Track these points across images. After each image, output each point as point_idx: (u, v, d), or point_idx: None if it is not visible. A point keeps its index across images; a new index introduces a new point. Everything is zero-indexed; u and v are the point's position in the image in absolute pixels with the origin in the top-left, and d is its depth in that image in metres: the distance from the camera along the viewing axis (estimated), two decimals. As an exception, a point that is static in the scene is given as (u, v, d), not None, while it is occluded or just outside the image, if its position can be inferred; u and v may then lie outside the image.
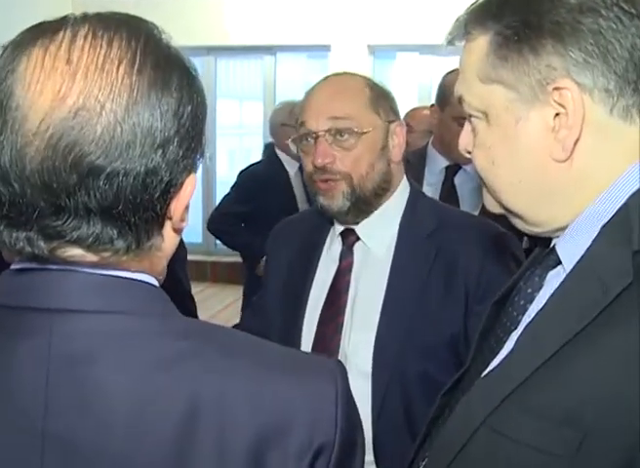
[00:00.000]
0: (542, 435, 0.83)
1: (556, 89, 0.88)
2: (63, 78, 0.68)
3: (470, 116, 0.99)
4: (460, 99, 1.00)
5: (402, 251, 1.59)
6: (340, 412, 0.78)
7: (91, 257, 0.74)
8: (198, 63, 6.65)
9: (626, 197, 0.88)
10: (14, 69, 0.69)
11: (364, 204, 1.56)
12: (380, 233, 1.61)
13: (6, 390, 0.74)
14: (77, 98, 0.68)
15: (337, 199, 1.54)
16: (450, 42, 1.00)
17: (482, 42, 0.94)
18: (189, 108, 0.76)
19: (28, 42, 0.70)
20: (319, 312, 1.60)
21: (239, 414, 0.75)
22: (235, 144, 8.46)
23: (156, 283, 0.82)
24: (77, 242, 0.72)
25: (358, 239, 1.62)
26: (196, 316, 1.05)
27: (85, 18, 0.72)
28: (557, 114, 0.89)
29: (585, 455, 0.79)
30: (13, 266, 0.76)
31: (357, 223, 1.60)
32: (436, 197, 2.50)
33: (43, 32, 0.71)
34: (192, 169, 0.79)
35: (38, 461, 0.73)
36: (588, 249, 0.89)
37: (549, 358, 0.85)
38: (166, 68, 0.74)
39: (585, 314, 0.84)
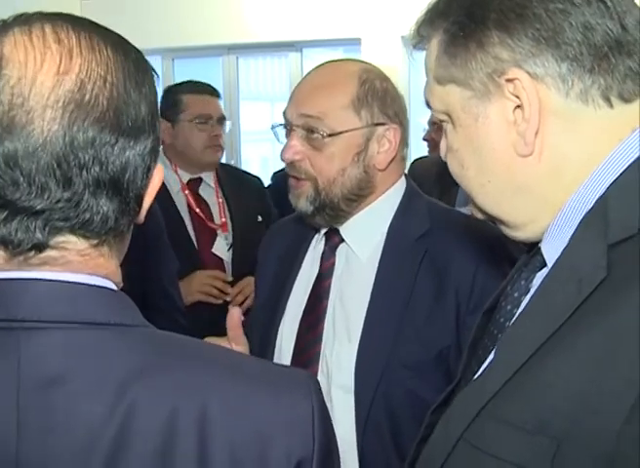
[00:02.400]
0: (518, 447, 0.79)
1: (508, 80, 0.87)
2: (60, 54, 0.69)
3: (441, 121, 0.98)
4: (428, 104, 0.99)
5: (389, 255, 1.46)
6: (316, 426, 0.78)
7: (80, 245, 0.74)
8: (217, 63, 6.25)
9: (606, 187, 0.85)
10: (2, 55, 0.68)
11: (330, 209, 1.45)
12: (365, 235, 1.48)
13: None
14: (79, 72, 0.69)
15: (301, 200, 1.45)
16: (415, 48, 0.99)
17: (434, 42, 0.94)
18: (154, 98, 0.78)
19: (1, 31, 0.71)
20: (299, 318, 1.51)
21: (219, 429, 0.74)
22: (267, 151, 7.79)
23: (116, 289, 0.79)
24: (82, 226, 0.72)
25: (342, 240, 1.50)
26: (189, 332, 0.95)
27: (46, 15, 0.73)
28: (517, 107, 0.87)
29: (561, 466, 0.75)
30: None
31: (340, 224, 1.49)
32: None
33: (12, 24, 0.71)
34: (157, 158, 0.79)
35: None
36: (567, 245, 0.86)
37: (523, 364, 0.82)
38: (141, 57, 0.78)
39: (560, 314, 0.80)
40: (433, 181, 3.23)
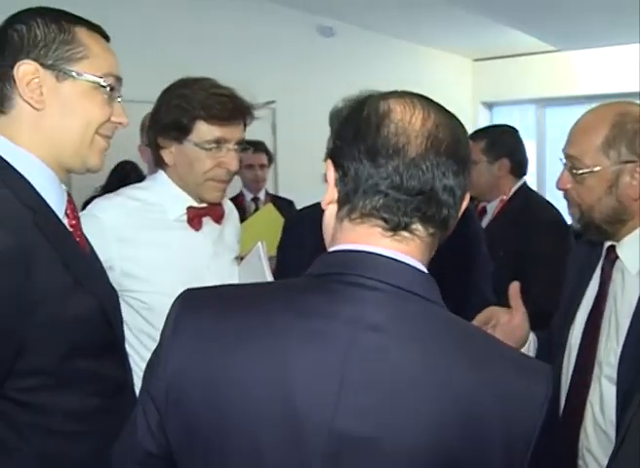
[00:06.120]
0: None
1: None
2: (423, 110, 1.00)
3: None
4: None
5: None
6: (543, 411, 0.93)
7: (423, 233, 0.98)
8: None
9: None
10: (389, 108, 1.00)
11: (595, 229, 1.71)
12: (636, 253, 1.67)
13: (319, 332, 0.92)
14: (435, 120, 1.00)
15: (573, 220, 1.78)
16: None
17: None
18: (467, 141, 1.08)
19: (381, 99, 1.03)
20: (585, 319, 1.76)
21: (485, 405, 0.89)
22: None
23: (427, 272, 1.00)
24: (429, 219, 0.98)
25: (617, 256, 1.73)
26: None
27: (409, 93, 1.06)
28: None
29: None
30: (331, 249, 1.00)
31: (614, 240, 1.73)
32: None
33: (390, 96, 1.04)
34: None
35: (336, 390, 0.90)
36: None
37: None
38: (457, 118, 1.07)
39: None
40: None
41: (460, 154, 0.99)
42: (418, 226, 0.97)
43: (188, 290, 1.01)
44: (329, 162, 1.04)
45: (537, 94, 8.07)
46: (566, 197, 1.77)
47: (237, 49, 5.92)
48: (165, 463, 1.00)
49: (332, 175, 1.03)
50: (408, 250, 0.98)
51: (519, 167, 3.24)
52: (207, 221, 1.97)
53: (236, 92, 1.88)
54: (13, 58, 1.25)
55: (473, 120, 8.64)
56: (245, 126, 1.92)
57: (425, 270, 1.00)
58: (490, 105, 8.86)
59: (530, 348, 1.71)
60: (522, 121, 8.30)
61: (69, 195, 1.36)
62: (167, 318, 1.00)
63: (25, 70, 1.24)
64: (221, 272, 1.96)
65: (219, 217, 2.01)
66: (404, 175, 0.95)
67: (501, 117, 8.67)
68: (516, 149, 3.25)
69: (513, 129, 3.36)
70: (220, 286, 1.06)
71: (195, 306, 0.98)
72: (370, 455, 0.89)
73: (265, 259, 1.91)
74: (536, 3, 5.42)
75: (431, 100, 1.04)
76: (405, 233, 0.97)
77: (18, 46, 1.25)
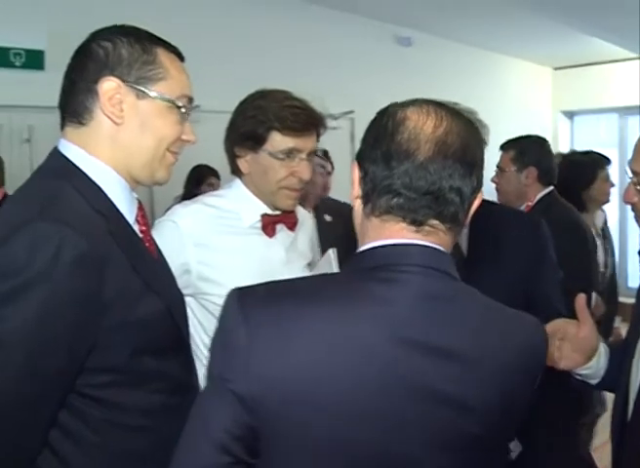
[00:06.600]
0: None
1: None
2: (435, 117, 1.10)
3: None
4: None
5: None
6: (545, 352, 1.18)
7: (441, 227, 1.10)
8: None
9: None
10: (405, 116, 1.11)
11: None
12: None
13: (393, 315, 1.03)
14: (445, 127, 1.09)
15: None
16: None
17: None
18: (482, 147, 1.18)
19: (400, 107, 1.15)
20: None
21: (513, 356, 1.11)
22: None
23: (448, 253, 1.14)
24: (440, 215, 1.09)
25: None
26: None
27: (430, 101, 1.16)
28: None
29: None
30: (373, 244, 1.10)
31: None
32: None
33: (408, 105, 1.14)
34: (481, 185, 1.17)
35: None
36: None
37: None
38: (473, 124, 1.17)
39: None
40: None
41: (467, 158, 1.09)
42: (435, 221, 1.09)
43: (240, 288, 1.06)
44: (354, 162, 1.16)
45: (618, 102, 7.91)
46: (633, 210, 1.77)
47: (316, 60, 5.98)
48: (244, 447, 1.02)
49: (356, 174, 1.15)
50: (435, 240, 1.10)
51: (546, 175, 3.32)
52: (281, 229, 2.01)
53: (309, 103, 1.92)
54: (97, 73, 1.30)
55: (553, 129, 8.47)
56: (318, 136, 1.97)
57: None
58: (570, 114, 8.70)
59: (600, 360, 1.68)
60: (603, 130, 8.11)
61: (140, 202, 1.42)
62: (229, 317, 1.03)
63: (109, 86, 1.29)
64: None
65: (292, 225, 2.05)
66: (413, 176, 1.06)
67: (582, 126, 8.48)
68: (544, 158, 3.34)
69: (542, 139, 3.46)
70: (270, 282, 1.11)
71: (261, 301, 1.04)
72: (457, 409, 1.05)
73: (336, 266, 1.92)
74: (617, 10, 5.30)
75: (451, 109, 1.14)
76: (428, 227, 1.09)
77: (102, 62, 1.30)
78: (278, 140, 1.88)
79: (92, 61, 1.31)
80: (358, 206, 1.15)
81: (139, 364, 1.26)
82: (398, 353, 1.01)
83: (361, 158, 1.14)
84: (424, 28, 6.58)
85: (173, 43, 1.39)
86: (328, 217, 2.85)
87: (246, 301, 1.03)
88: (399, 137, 1.08)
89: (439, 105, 1.13)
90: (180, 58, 1.40)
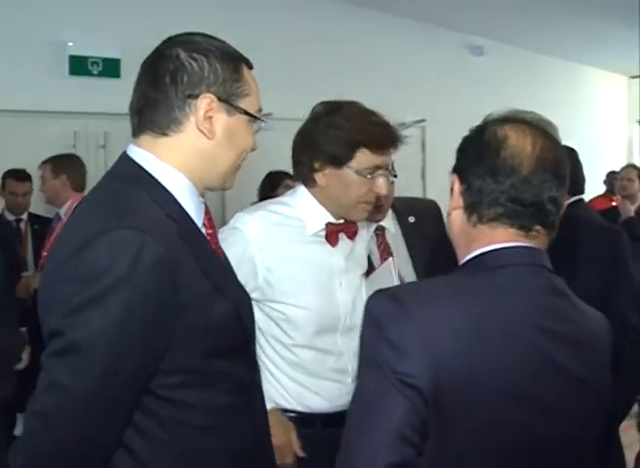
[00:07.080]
0: None
1: None
2: (533, 137, 1.21)
3: None
4: None
5: None
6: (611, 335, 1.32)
7: (543, 231, 1.22)
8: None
9: None
10: (505, 134, 1.22)
11: None
12: None
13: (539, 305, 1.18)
14: (542, 145, 1.21)
15: None
16: None
17: None
18: (567, 164, 1.28)
19: (497, 125, 1.24)
20: None
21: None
22: None
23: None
24: (541, 223, 1.21)
25: None
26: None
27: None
28: None
29: None
30: (490, 247, 1.21)
31: None
32: None
33: (505, 121, 1.24)
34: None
35: None
36: None
37: None
38: (558, 142, 1.29)
39: None
40: None
41: (560, 171, 1.21)
42: (539, 227, 1.20)
43: (386, 290, 1.18)
44: (455, 175, 1.25)
45: (697, 112, 7.61)
46: None
47: (390, 69, 5.99)
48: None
49: (457, 186, 1.24)
50: (538, 242, 1.22)
51: (574, 185, 3.24)
52: (341, 237, 2.01)
53: (385, 117, 1.92)
54: (192, 87, 1.30)
55: (628, 140, 8.24)
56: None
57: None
58: (646, 124, 8.41)
59: None
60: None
61: (206, 206, 1.44)
62: (389, 315, 1.12)
63: (207, 103, 1.30)
64: (352, 287, 2.00)
65: (352, 234, 2.05)
66: (519, 188, 1.17)
67: (659, 136, 8.20)
68: (573, 169, 3.25)
69: (572, 149, 3.40)
70: (409, 284, 1.24)
71: (416, 298, 1.15)
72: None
73: (396, 274, 1.90)
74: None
75: (537, 127, 1.25)
76: (534, 232, 1.20)
77: (197, 76, 1.30)
78: (365, 159, 1.88)
79: (186, 74, 1.31)
80: (458, 215, 1.25)
81: (208, 365, 1.28)
82: (538, 338, 1.14)
83: (462, 172, 1.24)
84: (497, 37, 6.51)
85: (242, 51, 1.40)
86: (412, 219, 2.86)
87: (402, 299, 1.13)
88: (503, 154, 1.19)
89: (528, 124, 1.25)
90: (251, 67, 1.41)
